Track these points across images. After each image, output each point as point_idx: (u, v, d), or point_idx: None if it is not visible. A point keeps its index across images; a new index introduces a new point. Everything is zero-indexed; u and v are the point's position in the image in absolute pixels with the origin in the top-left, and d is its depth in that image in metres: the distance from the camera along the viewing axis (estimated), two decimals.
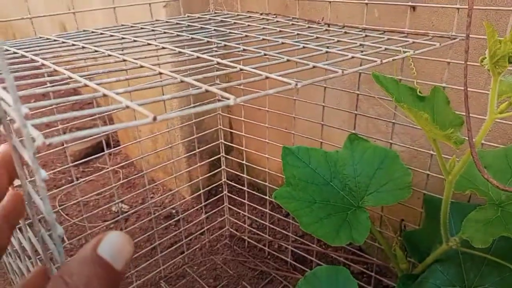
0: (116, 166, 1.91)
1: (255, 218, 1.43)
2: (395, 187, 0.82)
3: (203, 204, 1.34)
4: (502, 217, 0.60)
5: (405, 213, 0.96)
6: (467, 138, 0.56)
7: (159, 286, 1.23)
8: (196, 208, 1.51)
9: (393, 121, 0.89)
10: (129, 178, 1.65)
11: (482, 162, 0.69)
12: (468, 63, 0.55)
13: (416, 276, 0.79)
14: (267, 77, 0.49)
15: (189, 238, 1.40)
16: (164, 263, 1.27)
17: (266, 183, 1.24)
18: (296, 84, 0.46)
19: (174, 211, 1.55)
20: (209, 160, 1.37)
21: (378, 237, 0.87)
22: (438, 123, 0.64)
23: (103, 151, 1.03)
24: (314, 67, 0.55)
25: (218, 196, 1.44)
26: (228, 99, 0.38)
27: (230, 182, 1.41)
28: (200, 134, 1.28)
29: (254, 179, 1.36)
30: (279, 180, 1.45)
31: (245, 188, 1.31)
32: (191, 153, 1.39)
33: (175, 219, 1.40)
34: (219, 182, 1.41)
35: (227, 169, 1.38)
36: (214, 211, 1.46)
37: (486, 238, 0.58)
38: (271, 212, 1.31)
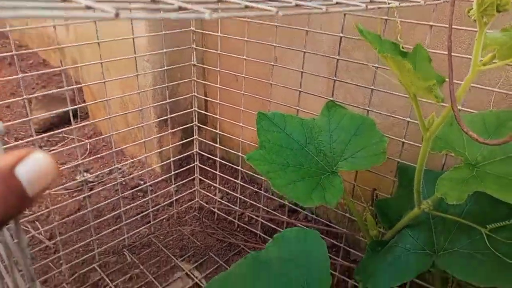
0: (84, 138, 1.83)
1: (226, 191, 1.40)
2: (370, 153, 0.81)
3: (172, 173, 1.29)
4: (478, 177, 0.60)
5: (378, 184, 0.95)
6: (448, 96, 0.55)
7: (122, 254, 1.18)
8: (165, 178, 1.46)
9: (372, 87, 0.87)
10: (103, 151, 1.58)
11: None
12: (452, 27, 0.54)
13: (386, 242, 0.78)
14: (246, 6, 0.46)
15: (156, 209, 1.36)
16: (128, 232, 1.23)
17: (239, 153, 1.21)
18: (278, 12, 0.42)
19: (142, 181, 1.49)
20: (181, 127, 1.32)
21: (349, 204, 0.86)
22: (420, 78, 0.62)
23: (70, 121, 0.97)
24: (297, 5, 0.52)
25: (189, 166, 1.39)
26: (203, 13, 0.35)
27: (203, 153, 1.37)
28: (173, 100, 1.23)
29: (228, 150, 1.33)
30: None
31: (217, 159, 1.28)
32: (162, 118, 1.34)
33: (141, 187, 1.35)
34: (191, 153, 1.36)
35: (200, 139, 1.33)
36: (184, 181, 1.42)
37: (460, 194, 0.57)
38: (243, 184, 1.29)
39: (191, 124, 1.31)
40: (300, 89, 1.01)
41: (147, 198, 1.26)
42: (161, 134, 1.36)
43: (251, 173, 1.40)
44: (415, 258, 0.70)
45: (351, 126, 0.86)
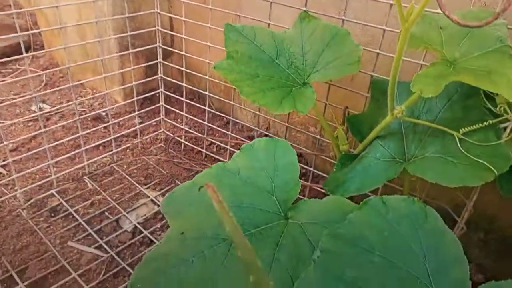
0: (39, 69, 1.70)
1: (194, 119, 1.34)
2: (343, 62, 0.77)
3: (135, 98, 1.21)
4: (455, 72, 0.57)
5: (350, 103, 0.92)
6: None
7: (83, 181, 1.12)
8: (129, 111, 1.38)
9: None
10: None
11: (438, 23, 0.65)
12: None
13: (356, 155, 0.77)
14: None
15: (119, 139, 1.29)
16: (89, 160, 1.16)
17: (207, 93, 1.15)
18: None
19: (104, 113, 1.41)
20: (146, 64, 1.23)
21: (321, 120, 0.82)
22: None
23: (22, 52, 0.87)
24: None
25: (155, 106, 1.31)
26: None
27: (168, 93, 1.29)
28: (135, 32, 1.14)
29: (196, 89, 1.26)
30: (221, 86, 1.36)
31: (183, 84, 1.21)
32: (123, 53, 1.23)
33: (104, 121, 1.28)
34: (156, 92, 1.28)
35: (165, 77, 1.25)
36: (148, 111, 1.35)
37: (437, 87, 0.54)
38: (211, 111, 1.23)
39: (156, 62, 1.21)
40: (271, 0, 0.94)
41: (107, 124, 1.18)
42: (123, 70, 1.27)
43: (219, 109, 1.34)
44: (385, 165, 0.68)
45: (324, 37, 0.81)
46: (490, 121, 0.61)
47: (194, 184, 0.70)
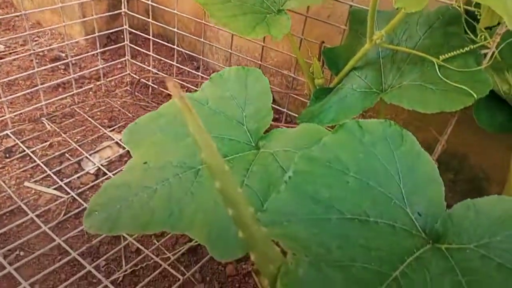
0: None
1: (164, 60, 1.27)
2: None
3: (96, 34, 1.12)
4: None
5: (326, 38, 0.88)
6: None
7: (40, 123, 1.05)
8: (91, 53, 1.28)
9: None
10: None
11: None
12: None
13: (332, 88, 0.73)
14: None
15: (80, 80, 1.20)
16: (47, 100, 1.08)
17: (175, 30, 1.07)
18: None
19: (63, 54, 1.31)
20: None
21: (295, 52, 0.78)
22: None
23: None
24: None
25: (119, 45, 1.22)
26: None
27: (134, 30, 1.19)
28: None
29: (164, 26, 1.17)
30: (191, 27, 1.28)
31: (150, 20, 1.12)
32: None
33: (64, 62, 1.18)
34: (120, 28, 1.18)
35: (130, 13, 1.15)
36: (112, 51, 1.26)
37: (420, 2, 0.50)
38: (179, 65, 1.16)
39: None
40: None
41: (65, 61, 1.09)
42: (81, 1, 1.16)
43: (189, 51, 1.26)
44: (361, 96, 0.65)
45: None
46: (472, 46, 0.58)
47: (159, 115, 0.65)
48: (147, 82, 1.22)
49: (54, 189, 0.88)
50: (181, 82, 1.20)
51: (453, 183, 0.90)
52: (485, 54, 0.59)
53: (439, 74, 0.59)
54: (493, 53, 0.58)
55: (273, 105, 1.11)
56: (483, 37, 0.61)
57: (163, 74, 1.24)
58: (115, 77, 1.24)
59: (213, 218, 0.48)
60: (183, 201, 0.51)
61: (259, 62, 1.01)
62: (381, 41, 0.63)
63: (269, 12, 0.73)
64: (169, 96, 1.20)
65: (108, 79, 1.23)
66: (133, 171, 0.56)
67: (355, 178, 0.46)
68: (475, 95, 0.54)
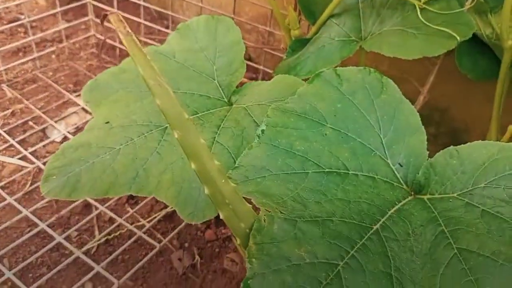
0: None
1: (132, 18, 1.18)
2: None
3: (59, 8, 1.03)
4: None
5: None
6: None
7: (1, 89, 0.97)
8: (53, 15, 1.18)
9: None
10: None
11: None
12: None
13: (309, 39, 0.69)
14: None
15: (42, 45, 1.12)
16: (6, 66, 1.00)
17: None
18: None
19: (22, 16, 1.20)
20: None
21: (270, 2, 0.72)
22: None
23: None
24: None
25: (80, 3, 1.13)
26: None
27: None
28: None
29: None
30: None
31: None
32: None
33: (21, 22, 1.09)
34: None
35: None
36: (76, 17, 1.17)
37: None
38: (148, 23, 1.08)
39: None
40: None
41: (25, 21, 1.00)
42: None
43: (158, 8, 1.18)
44: (340, 45, 0.61)
45: None
46: None
47: (121, 70, 0.60)
48: (113, 43, 1.14)
49: (19, 159, 0.82)
50: (151, 42, 1.13)
51: (434, 137, 0.89)
52: None
53: (420, 17, 0.55)
54: None
55: (249, 63, 1.06)
56: None
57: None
58: (79, 38, 1.16)
59: (181, 177, 0.45)
60: (149, 162, 0.47)
61: (233, 16, 0.95)
62: None
63: None
64: None
65: (71, 41, 1.14)
66: (94, 131, 0.51)
67: (333, 129, 0.43)
68: (458, 38, 0.51)
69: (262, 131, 0.42)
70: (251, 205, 0.34)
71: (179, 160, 0.47)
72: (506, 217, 0.33)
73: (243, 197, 0.35)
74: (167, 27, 1.19)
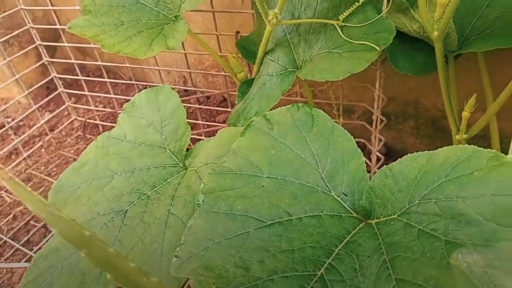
0: None
1: (107, 96, 1.23)
2: None
3: (33, 104, 1.09)
4: None
5: (246, 26, 0.84)
6: None
7: (0, 197, 1.02)
8: (33, 108, 1.25)
9: None
10: None
11: None
12: None
13: (253, 79, 0.70)
14: None
15: (31, 142, 1.18)
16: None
17: (107, 64, 1.03)
18: None
19: (9, 119, 1.28)
20: (28, 48, 1.08)
21: (213, 54, 0.74)
22: None
23: None
24: None
25: (54, 94, 1.18)
26: None
27: (65, 76, 1.15)
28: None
29: (96, 63, 1.13)
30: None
31: (74, 61, 1.08)
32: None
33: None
34: (49, 78, 1.14)
35: (54, 60, 1.11)
36: (58, 105, 1.22)
37: None
38: (120, 97, 1.13)
39: (34, 45, 1.07)
40: None
41: (4, 128, 1.06)
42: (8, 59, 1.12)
43: (133, 75, 1.23)
44: (279, 79, 0.62)
45: None
46: None
47: (81, 164, 0.62)
48: (95, 121, 1.19)
49: (26, 261, 0.86)
50: None
51: (416, 129, 0.87)
52: None
53: (342, 35, 0.55)
54: None
55: (225, 103, 1.07)
56: None
57: (109, 109, 1.21)
58: (64, 125, 1.21)
59: (140, 262, 0.46)
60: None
61: (192, 71, 0.97)
62: (278, 20, 0.59)
63: (166, 22, 0.69)
64: None
65: (56, 131, 1.20)
66: None
67: (269, 178, 0.43)
68: (377, 48, 0.50)
69: (202, 201, 0.43)
70: None
71: (139, 243, 0.48)
72: (438, 233, 0.32)
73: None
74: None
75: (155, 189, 0.55)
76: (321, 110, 0.48)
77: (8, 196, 1.02)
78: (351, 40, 0.54)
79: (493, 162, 0.33)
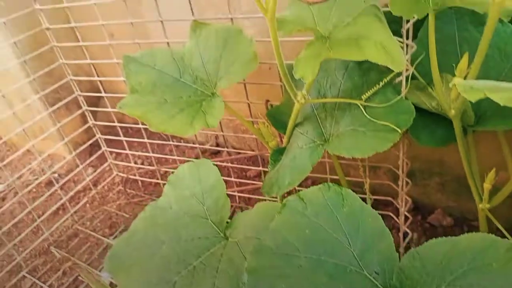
0: None
1: (144, 154, 1.32)
2: (242, 61, 0.75)
3: (80, 163, 1.19)
4: (330, 46, 0.56)
5: (270, 95, 0.91)
6: None
7: (50, 253, 1.10)
8: (75, 165, 1.35)
9: None
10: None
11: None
12: None
13: (284, 148, 0.75)
14: None
15: (76, 197, 1.27)
16: (49, 228, 1.14)
17: (140, 125, 1.13)
18: None
19: (56, 175, 1.38)
20: (75, 115, 1.19)
21: (244, 123, 0.81)
22: None
23: None
24: None
25: (98, 153, 1.28)
26: None
27: (109, 137, 1.25)
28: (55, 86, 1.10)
29: (135, 126, 1.23)
30: None
31: (117, 124, 1.18)
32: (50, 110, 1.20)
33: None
34: (94, 139, 1.24)
35: (98, 123, 1.21)
36: (101, 162, 1.32)
37: (313, 69, 0.53)
38: (157, 155, 1.21)
39: (82, 110, 1.18)
40: (160, 19, 0.91)
41: (56, 187, 1.16)
42: (52, 129, 1.23)
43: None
44: (308, 152, 0.67)
45: (219, 41, 0.79)
46: (385, 80, 0.60)
47: (132, 233, 0.69)
48: (134, 177, 1.27)
49: None
50: (165, 169, 1.25)
51: (442, 185, 0.90)
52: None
53: (366, 115, 0.61)
54: (408, 76, 0.60)
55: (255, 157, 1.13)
56: None
57: (147, 166, 1.29)
58: (105, 182, 1.30)
59: None
60: None
61: (226, 133, 1.05)
62: (306, 100, 0.65)
63: (204, 98, 0.77)
64: (157, 184, 1.25)
65: (99, 186, 1.29)
66: None
67: (306, 258, 0.48)
68: (399, 130, 0.55)
69: (247, 279, 0.48)
70: None
71: None
72: None
73: None
74: (176, 147, 1.31)
75: (200, 259, 0.60)
76: (350, 190, 0.53)
77: (57, 252, 1.10)
78: (374, 120, 0.59)
79: (510, 254, 0.36)
